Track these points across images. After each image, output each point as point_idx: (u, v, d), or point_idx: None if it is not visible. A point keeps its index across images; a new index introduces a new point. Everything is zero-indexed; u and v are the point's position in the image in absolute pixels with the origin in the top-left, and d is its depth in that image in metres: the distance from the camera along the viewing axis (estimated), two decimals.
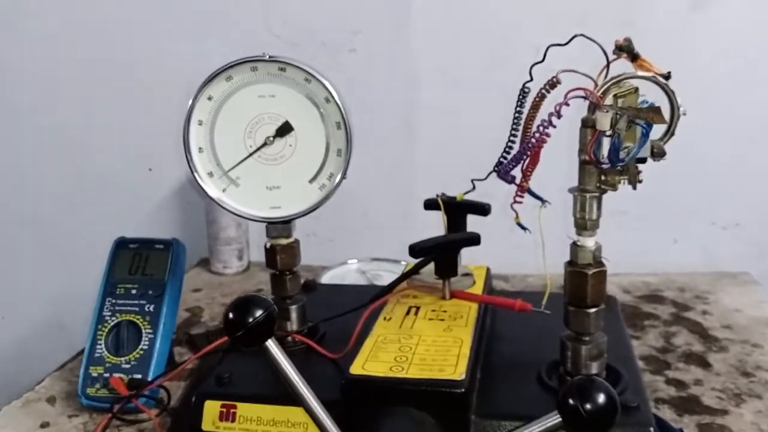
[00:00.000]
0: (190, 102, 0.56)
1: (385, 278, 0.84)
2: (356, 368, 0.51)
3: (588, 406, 0.38)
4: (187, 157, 0.57)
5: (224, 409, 0.54)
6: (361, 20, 0.94)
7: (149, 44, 0.98)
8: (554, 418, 0.39)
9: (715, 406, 0.61)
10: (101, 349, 0.65)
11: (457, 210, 0.67)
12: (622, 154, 0.45)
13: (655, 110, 0.44)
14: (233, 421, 0.54)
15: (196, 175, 0.58)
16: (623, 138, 0.46)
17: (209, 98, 0.57)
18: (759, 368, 0.67)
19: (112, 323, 0.66)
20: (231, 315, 0.41)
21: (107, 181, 1.04)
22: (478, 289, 0.65)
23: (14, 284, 1.09)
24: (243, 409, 0.54)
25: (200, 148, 0.58)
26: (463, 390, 0.49)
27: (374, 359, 0.53)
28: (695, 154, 0.87)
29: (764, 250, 0.91)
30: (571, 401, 0.38)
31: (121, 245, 0.70)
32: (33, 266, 1.09)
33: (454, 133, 0.95)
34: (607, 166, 0.47)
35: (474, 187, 0.62)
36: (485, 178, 0.58)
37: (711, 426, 0.59)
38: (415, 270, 0.66)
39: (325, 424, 0.43)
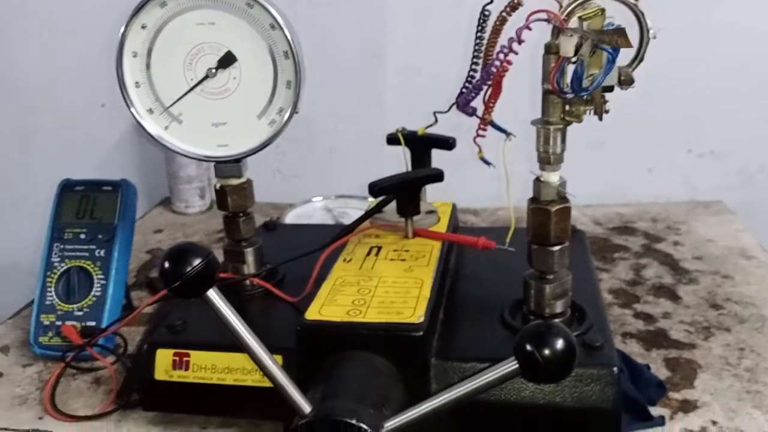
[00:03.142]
0: (122, 31, 0.51)
1: (352, 216, 0.81)
2: (312, 313, 0.49)
3: (545, 352, 0.36)
4: (122, 92, 0.53)
5: (177, 358, 0.52)
6: None
7: None
8: (511, 365, 0.37)
9: (683, 339, 0.61)
10: (51, 296, 0.63)
11: (420, 145, 0.64)
12: (586, 83, 0.42)
13: (620, 32, 0.40)
14: (187, 369, 0.52)
15: (134, 112, 0.54)
16: (588, 65, 0.42)
17: (143, 27, 0.52)
18: (729, 300, 0.66)
19: (62, 269, 0.63)
20: (166, 265, 0.38)
21: (59, 120, 0.99)
22: (442, 227, 0.63)
23: None
24: (196, 357, 0.52)
25: (137, 83, 0.53)
26: (421, 333, 0.47)
27: (331, 303, 0.50)
28: (671, 79, 0.84)
29: (742, 178, 0.89)
30: (527, 347, 0.36)
31: (67, 188, 0.67)
32: None
33: (424, 63, 0.90)
34: (570, 95, 0.43)
35: (436, 120, 0.58)
36: (447, 111, 0.55)
37: (678, 360, 0.58)
38: (378, 209, 0.63)
39: (275, 374, 0.41)
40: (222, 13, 0.51)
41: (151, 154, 0.99)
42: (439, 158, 0.65)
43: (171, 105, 0.54)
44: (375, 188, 0.58)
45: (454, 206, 0.68)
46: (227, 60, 0.52)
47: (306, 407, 0.41)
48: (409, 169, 0.64)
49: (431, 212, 0.65)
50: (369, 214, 0.63)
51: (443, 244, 0.59)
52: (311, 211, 0.87)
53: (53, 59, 0.96)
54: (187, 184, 0.93)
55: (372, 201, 0.66)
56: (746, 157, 0.89)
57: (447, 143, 0.64)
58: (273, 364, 0.41)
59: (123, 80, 0.53)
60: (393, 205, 0.62)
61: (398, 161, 0.64)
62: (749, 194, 0.89)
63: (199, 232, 0.89)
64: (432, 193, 0.67)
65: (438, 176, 0.60)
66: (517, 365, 0.37)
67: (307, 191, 0.91)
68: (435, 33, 0.89)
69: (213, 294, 0.39)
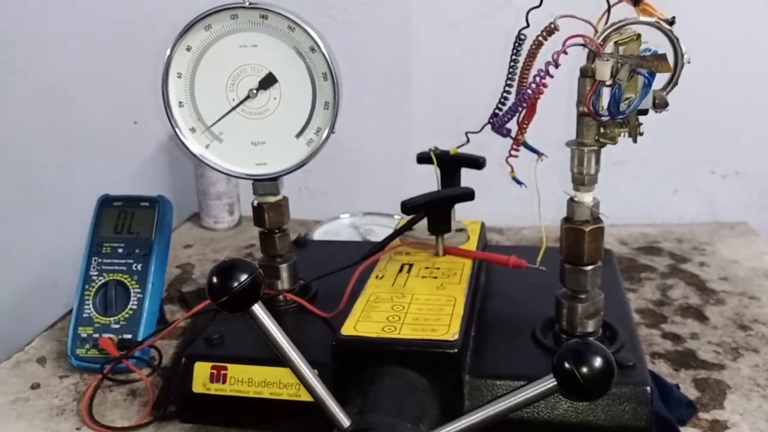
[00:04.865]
0: (168, 53, 0.53)
1: (379, 233, 0.83)
2: (348, 329, 0.50)
3: (584, 370, 0.36)
4: (167, 112, 0.55)
5: (215, 371, 0.53)
6: None
7: None
8: (549, 382, 0.38)
9: (711, 360, 0.61)
10: (89, 309, 0.64)
11: (450, 164, 0.65)
12: (622, 106, 0.43)
13: (660, 58, 0.41)
14: (224, 382, 0.53)
15: (177, 131, 0.55)
16: (624, 89, 0.43)
17: (188, 49, 0.54)
18: (756, 321, 0.66)
19: (100, 283, 0.65)
20: (214, 280, 0.39)
21: (93, 136, 1.02)
22: (472, 245, 0.64)
23: (6, 244, 1.07)
24: (234, 370, 0.53)
25: (180, 103, 0.55)
26: (456, 350, 0.48)
27: (366, 319, 0.51)
28: (696, 101, 0.85)
29: (765, 200, 0.90)
30: (566, 365, 0.37)
31: (106, 203, 0.68)
32: (25, 224, 1.07)
33: (452, 83, 0.92)
34: (606, 118, 0.44)
35: (468, 140, 0.60)
36: (480, 131, 0.56)
37: (707, 381, 0.58)
38: (408, 226, 0.64)
39: (316, 388, 0.42)
40: (264, 36, 0.53)
41: (181, 171, 1.01)
42: (462, 177, 0.66)
43: (213, 124, 0.55)
44: (407, 206, 0.59)
45: (482, 225, 0.69)
46: (268, 81, 0.54)
47: (345, 421, 0.42)
48: (439, 187, 0.65)
49: (461, 230, 0.66)
50: (400, 231, 0.64)
51: (474, 262, 0.60)
52: (338, 228, 0.88)
53: (92, 78, 0.99)
54: (216, 200, 0.94)
55: (401, 219, 0.68)
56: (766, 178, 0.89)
57: (477, 162, 0.65)
58: (314, 378, 0.42)
59: (168, 100, 0.55)
60: (423, 223, 0.63)
61: (424, 179, 0.66)
62: None
63: (228, 248, 0.91)
64: (457, 212, 0.68)
65: (469, 195, 0.61)
66: (556, 383, 0.38)
67: (334, 208, 0.93)
68: (462, 49, 0.90)
69: (258, 308, 0.41)
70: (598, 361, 0.37)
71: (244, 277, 0.39)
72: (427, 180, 0.65)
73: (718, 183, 0.90)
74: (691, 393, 0.56)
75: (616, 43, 0.44)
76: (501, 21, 0.86)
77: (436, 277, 0.58)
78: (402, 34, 0.91)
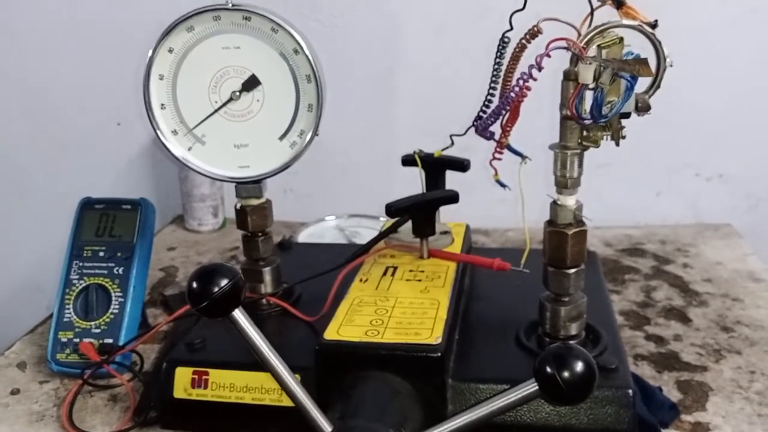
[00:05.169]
0: (150, 55, 0.53)
1: (364, 235, 0.83)
2: (331, 333, 0.50)
3: (565, 374, 0.36)
4: (148, 114, 0.54)
5: (196, 376, 0.53)
6: None
7: None
8: (531, 387, 0.38)
9: (694, 362, 0.61)
10: (70, 313, 0.63)
11: (435, 166, 0.65)
12: (605, 110, 0.43)
13: (642, 62, 0.42)
14: (205, 387, 0.52)
15: (159, 133, 0.55)
16: (607, 92, 0.43)
17: (170, 50, 0.53)
18: (739, 323, 0.67)
19: (81, 287, 0.64)
20: (194, 285, 0.39)
21: (76, 138, 1.01)
22: (456, 248, 0.64)
23: None
24: (215, 375, 0.53)
25: (162, 105, 0.54)
26: (439, 354, 0.47)
27: (349, 323, 0.51)
28: (680, 104, 0.85)
29: (750, 202, 0.90)
30: (548, 369, 0.37)
31: (87, 206, 0.68)
32: (8, 226, 1.06)
33: (437, 86, 0.92)
34: (589, 121, 0.44)
35: (452, 143, 0.59)
36: (464, 134, 0.56)
37: (690, 383, 0.58)
38: (393, 229, 0.64)
39: (297, 393, 0.42)
40: (247, 38, 0.53)
41: (164, 173, 1.00)
42: (447, 179, 0.66)
43: (195, 126, 0.55)
44: (392, 209, 0.58)
45: (467, 227, 0.69)
46: (251, 83, 0.54)
47: (326, 426, 0.42)
48: (424, 190, 0.65)
49: (445, 233, 0.66)
50: (384, 234, 0.64)
51: (458, 265, 0.60)
52: (324, 230, 0.88)
53: (75, 79, 0.98)
54: (200, 203, 0.94)
55: (386, 221, 0.67)
56: (754, 181, 0.90)
57: (462, 165, 0.65)
58: (295, 383, 0.42)
59: (149, 102, 0.54)
60: (407, 225, 0.63)
61: (409, 182, 0.65)
62: (757, 218, 0.90)
63: (212, 250, 0.90)
64: (442, 214, 0.68)
65: (453, 198, 0.61)
66: (538, 387, 0.38)
67: (319, 210, 0.92)
68: (448, 53, 0.90)
69: (238, 314, 0.40)
70: (579, 366, 0.37)
71: (224, 282, 0.39)
72: (412, 182, 0.65)
73: (702, 186, 0.91)
74: (673, 395, 0.56)
75: (599, 46, 0.44)
76: (487, 25, 0.85)
77: (420, 280, 0.57)
78: (388, 38, 0.91)
